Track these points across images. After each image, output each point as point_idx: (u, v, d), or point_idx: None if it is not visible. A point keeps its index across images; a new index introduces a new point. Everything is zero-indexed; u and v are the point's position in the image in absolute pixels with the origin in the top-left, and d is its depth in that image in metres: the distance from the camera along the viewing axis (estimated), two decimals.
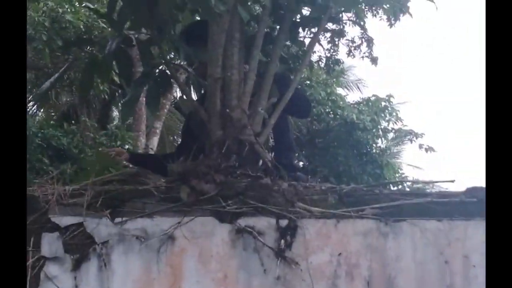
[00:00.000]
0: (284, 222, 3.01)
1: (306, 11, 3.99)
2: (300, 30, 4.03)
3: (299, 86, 4.09)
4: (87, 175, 4.20)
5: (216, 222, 3.05)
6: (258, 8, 4.13)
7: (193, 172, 3.23)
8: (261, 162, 3.46)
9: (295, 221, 3.00)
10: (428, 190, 3.64)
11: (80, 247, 3.09)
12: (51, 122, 15.57)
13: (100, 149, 11.58)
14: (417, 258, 2.95)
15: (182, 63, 4.44)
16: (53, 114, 17.80)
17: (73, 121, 15.13)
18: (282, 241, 2.99)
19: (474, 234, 2.92)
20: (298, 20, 3.96)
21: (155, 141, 13.49)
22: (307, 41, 4.07)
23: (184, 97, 3.78)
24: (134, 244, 3.06)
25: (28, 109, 15.08)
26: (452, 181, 3.34)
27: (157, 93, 3.72)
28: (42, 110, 17.25)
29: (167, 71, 3.81)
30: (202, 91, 4.16)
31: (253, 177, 3.27)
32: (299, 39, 4.07)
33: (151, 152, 12.29)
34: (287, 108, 3.76)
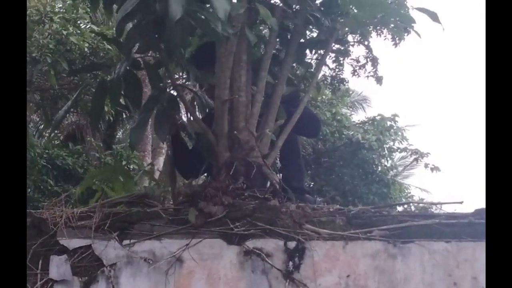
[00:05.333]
0: (292, 244, 3.01)
1: (313, 32, 4.02)
2: (307, 52, 4.04)
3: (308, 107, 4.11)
4: (87, 181, 4.23)
5: (224, 244, 3.05)
6: (265, 30, 4.14)
7: (201, 194, 3.23)
8: (269, 184, 3.47)
9: (303, 243, 3.00)
10: (436, 212, 3.63)
11: (88, 269, 3.09)
12: (56, 142, 15.61)
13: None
14: (426, 280, 2.93)
15: (187, 83, 4.45)
16: (58, 134, 17.84)
17: (78, 142, 15.15)
18: (290, 263, 2.98)
19: (482, 256, 2.89)
20: (305, 42, 3.98)
21: (160, 161, 13.51)
22: (314, 62, 4.09)
23: (191, 118, 3.77)
24: (142, 266, 3.06)
25: (33, 130, 15.08)
26: (460, 203, 3.32)
27: (166, 118, 3.73)
28: (47, 131, 17.26)
29: (174, 93, 3.82)
30: (207, 111, 4.18)
31: (261, 199, 3.27)
32: (306, 60, 4.08)
33: (157, 172, 12.32)
34: (296, 128, 3.77)
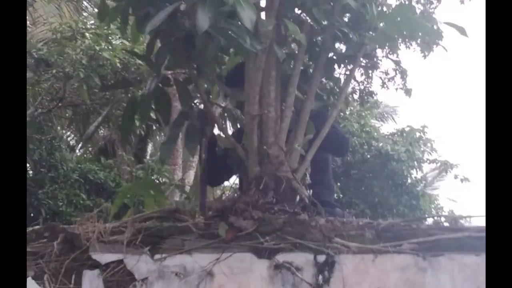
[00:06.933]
0: (322, 258, 3.02)
1: (341, 46, 4.04)
2: (336, 67, 4.06)
3: (336, 122, 4.11)
4: (120, 199, 4.27)
5: (254, 258, 3.06)
6: (294, 46, 4.16)
7: (231, 209, 3.26)
8: (298, 198, 3.48)
9: (333, 257, 3.00)
10: (465, 224, 3.62)
11: (121, 284, 3.11)
12: (88, 156, 15.74)
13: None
14: None
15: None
16: (90, 148, 17.97)
17: (110, 156, 15.23)
18: (320, 276, 2.99)
19: None
20: (333, 57, 4.00)
21: (191, 174, 13.53)
22: (342, 77, 4.10)
23: (221, 133, 3.81)
24: (173, 280, 3.08)
25: (66, 145, 15.21)
26: None
27: (195, 133, 3.77)
28: (79, 145, 17.42)
29: (204, 109, 3.86)
30: (238, 126, 4.20)
31: (291, 213, 3.29)
32: (334, 75, 4.10)
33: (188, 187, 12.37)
34: (324, 146, 3.78)
